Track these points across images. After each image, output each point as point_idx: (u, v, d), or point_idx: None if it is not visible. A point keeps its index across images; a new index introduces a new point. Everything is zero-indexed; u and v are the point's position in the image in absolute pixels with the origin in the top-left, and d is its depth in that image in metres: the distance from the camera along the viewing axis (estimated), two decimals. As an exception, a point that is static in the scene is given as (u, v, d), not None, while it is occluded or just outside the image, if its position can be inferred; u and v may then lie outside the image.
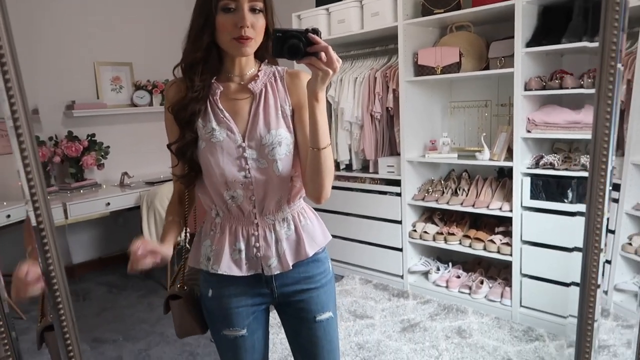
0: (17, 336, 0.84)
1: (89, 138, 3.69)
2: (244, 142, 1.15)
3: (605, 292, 2.53)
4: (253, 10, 1.08)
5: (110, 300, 3.38)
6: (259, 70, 1.20)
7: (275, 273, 1.21)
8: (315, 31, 0.99)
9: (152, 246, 1.10)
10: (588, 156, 2.05)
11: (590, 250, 0.56)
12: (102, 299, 3.41)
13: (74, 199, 3.32)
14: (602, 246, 0.54)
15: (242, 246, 1.19)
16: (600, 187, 0.52)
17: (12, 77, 0.55)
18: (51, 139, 3.60)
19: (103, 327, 2.94)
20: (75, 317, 0.81)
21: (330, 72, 1.01)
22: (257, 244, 1.20)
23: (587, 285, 0.57)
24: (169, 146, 1.20)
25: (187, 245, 1.42)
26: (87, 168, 3.66)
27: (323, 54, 0.99)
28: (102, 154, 3.74)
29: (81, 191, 3.55)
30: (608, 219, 0.55)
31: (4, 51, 0.54)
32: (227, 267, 1.19)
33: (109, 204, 3.41)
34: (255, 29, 1.09)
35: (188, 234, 1.45)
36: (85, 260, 3.97)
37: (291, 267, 1.21)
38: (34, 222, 0.69)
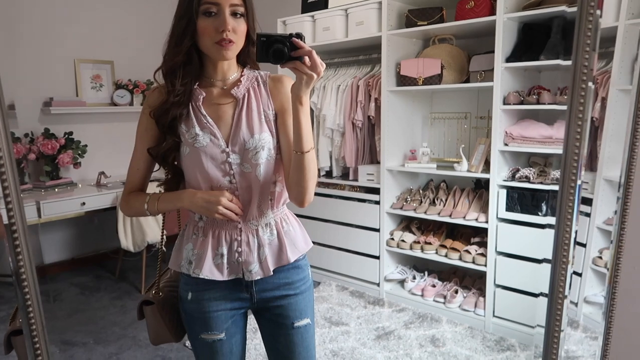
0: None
1: (66, 136, 3.63)
2: (227, 147, 1.15)
3: (575, 304, 2.59)
4: (234, 14, 1.09)
5: (82, 302, 3.31)
6: (241, 75, 1.20)
7: (256, 278, 1.21)
8: (299, 36, 1.00)
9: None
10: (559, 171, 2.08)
11: (558, 261, 0.58)
12: (73, 301, 3.34)
13: (48, 198, 3.25)
14: (570, 258, 0.56)
15: (225, 251, 1.19)
16: (569, 200, 0.54)
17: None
18: (27, 136, 3.53)
19: (74, 329, 2.88)
20: (45, 319, 0.80)
21: (315, 76, 1.02)
22: (240, 249, 1.19)
23: (555, 295, 0.59)
24: (149, 151, 1.19)
25: (163, 248, 1.41)
26: (63, 166, 3.59)
27: (307, 58, 1.00)
28: (79, 152, 3.68)
29: (56, 190, 3.48)
30: (577, 232, 0.56)
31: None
32: (209, 271, 1.18)
33: (84, 203, 3.35)
34: (236, 33, 1.10)
35: (165, 236, 1.44)
36: (58, 261, 3.88)
37: (272, 273, 1.21)
38: (5, 220, 0.68)
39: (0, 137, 0.56)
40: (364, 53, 3.33)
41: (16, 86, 3.46)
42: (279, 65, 1.02)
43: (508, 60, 2.59)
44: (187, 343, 1.36)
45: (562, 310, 0.59)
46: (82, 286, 3.59)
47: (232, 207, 1.15)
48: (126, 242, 3.35)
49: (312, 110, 3.40)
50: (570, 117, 0.54)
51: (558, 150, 2.51)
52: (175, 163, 1.21)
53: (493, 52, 2.60)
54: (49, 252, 3.83)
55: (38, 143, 3.46)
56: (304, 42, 1.01)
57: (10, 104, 3.39)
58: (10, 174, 0.60)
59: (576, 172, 0.54)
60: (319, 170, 3.47)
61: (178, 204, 1.19)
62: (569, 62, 0.54)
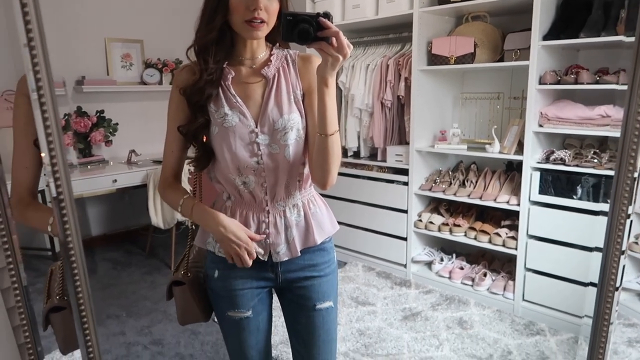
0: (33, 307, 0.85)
1: (98, 114, 3.69)
2: (256, 127, 1.14)
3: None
4: None
5: (114, 277, 3.41)
6: (270, 55, 1.18)
7: (284, 259, 1.21)
8: (327, 15, 0.97)
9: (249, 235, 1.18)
10: (598, 152, 2.01)
11: (611, 250, 0.55)
12: (105, 275, 3.44)
13: (81, 175, 3.33)
14: (624, 247, 0.53)
15: (252, 232, 1.19)
16: (626, 185, 0.52)
17: (39, 50, 0.54)
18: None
19: (107, 302, 2.97)
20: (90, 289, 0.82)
21: (341, 57, 0.99)
22: (267, 231, 1.19)
23: (605, 286, 0.57)
24: (179, 129, 1.18)
25: (192, 226, 1.42)
26: (95, 144, 3.66)
27: (334, 39, 0.98)
28: (111, 130, 3.74)
29: (88, 167, 3.55)
30: (632, 221, 0.54)
31: (32, 26, 0.54)
32: None
33: (115, 180, 3.41)
34: (268, 12, 1.08)
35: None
36: (90, 236, 4.00)
37: (299, 254, 1.21)
38: (54, 193, 0.69)
39: (49, 115, 0.56)
40: (395, 31, 3.26)
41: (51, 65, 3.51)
42: (305, 46, 1.00)
43: (545, 38, 2.49)
44: (215, 318, 1.38)
45: (613, 301, 0.57)
46: (113, 261, 3.70)
47: (251, 254, 1.16)
48: (156, 219, 3.41)
49: (340, 90, 3.36)
50: (631, 97, 0.51)
51: (596, 132, 2.42)
52: (206, 141, 1.19)
53: (529, 29, 2.51)
54: (81, 228, 3.94)
55: (71, 121, 3.53)
56: (332, 22, 0.98)
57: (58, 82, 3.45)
58: (59, 150, 0.60)
59: (635, 155, 0.52)
60: (346, 150, 3.45)
61: (205, 228, 1.20)
62: (632, 39, 0.51)
